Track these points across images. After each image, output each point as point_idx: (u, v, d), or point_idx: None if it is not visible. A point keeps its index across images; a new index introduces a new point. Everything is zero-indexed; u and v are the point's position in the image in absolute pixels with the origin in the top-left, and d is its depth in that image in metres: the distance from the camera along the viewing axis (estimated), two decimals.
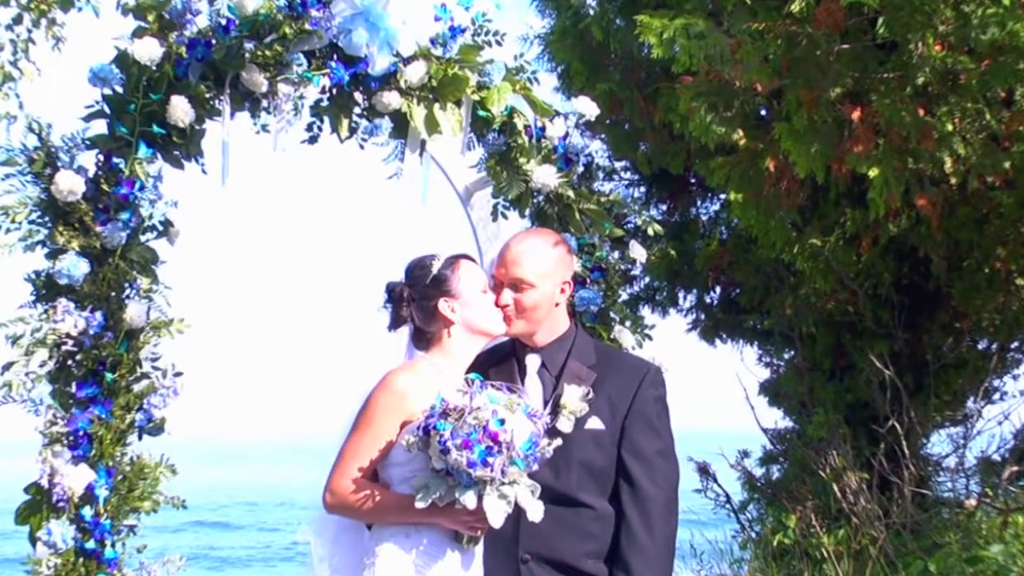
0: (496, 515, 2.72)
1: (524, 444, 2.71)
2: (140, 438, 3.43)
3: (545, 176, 4.10)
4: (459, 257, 3.08)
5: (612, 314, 4.13)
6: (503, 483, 2.70)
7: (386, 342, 3.08)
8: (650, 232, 4.34)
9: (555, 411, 3.01)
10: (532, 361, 3.12)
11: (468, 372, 2.99)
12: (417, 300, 2.99)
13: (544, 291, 3.07)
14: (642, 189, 9.37)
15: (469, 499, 2.71)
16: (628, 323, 4.17)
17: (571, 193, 4.16)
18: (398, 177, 4.07)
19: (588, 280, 4.10)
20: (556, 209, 4.18)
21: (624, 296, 4.47)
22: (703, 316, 9.35)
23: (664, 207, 9.39)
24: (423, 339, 3.02)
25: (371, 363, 3.09)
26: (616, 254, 4.22)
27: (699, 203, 9.33)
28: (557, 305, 3.11)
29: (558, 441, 2.82)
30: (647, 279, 9.38)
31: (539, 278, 3.06)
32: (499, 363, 3.13)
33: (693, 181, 9.07)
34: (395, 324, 3.02)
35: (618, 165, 9.45)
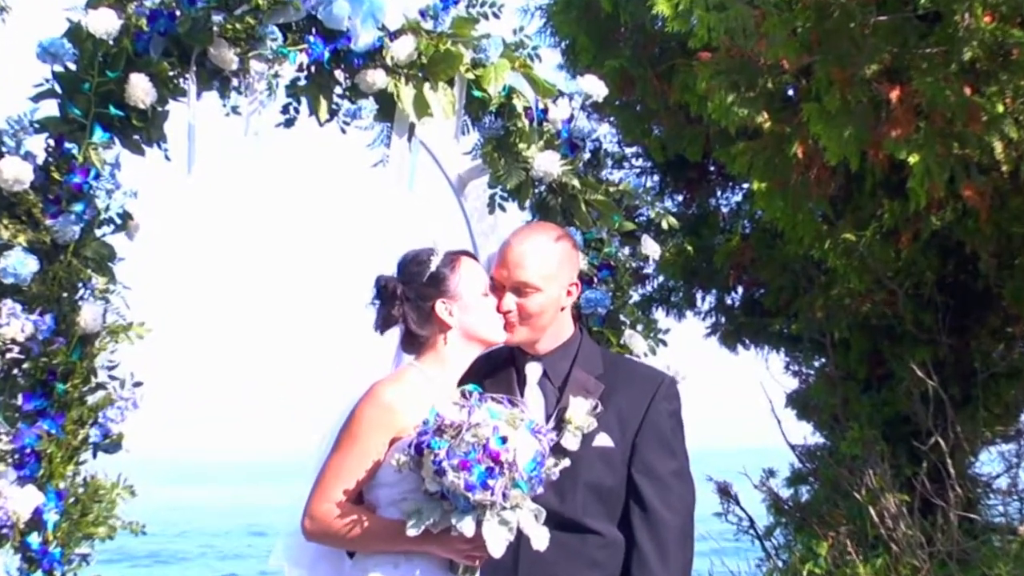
0: (496, 543, 2.74)
1: (528, 464, 2.73)
2: (95, 456, 3.44)
3: (547, 163, 4.14)
4: (460, 254, 3.11)
5: (622, 317, 4.18)
6: (504, 508, 2.72)
7: (371, 347, 3.10)
8: (664, 226, 4.36)
9: (559, 427, 3.04)
10: (533, 370, 3.15)
11: (462, 382, 3.02)
12: (411, 299, 3.01)
13: (550, 295, 3.11)
14: (656, 178, 9.36)
15: (467, 525, 2.72)
16: (640, 327, 4.21)
17: (576, 182, 4.20)
18: (384, 165, 4.11)
19: (595, 279, 4.14)
20: (560, 200, 4.23)
21: (635, 297, 4.60)
22: (723, 319, 9.38)
23: (680, 198, 9.40)
24: (415, 343, 3.05)
25: (355, 372, 3.12)
26: (626, 250, 4.28)
27: (719, 193, 9.29)
28: (563, 309, 3.16)
29: (566, 462, 2.86)
30: (661, 278, 9.37)
31: (544, 281, 3.10)
32: (495, 372, 3.16)
33: (712, 169, 9.05)
34: (384, 325, 3.05)
35: (629, 151, 9.48)
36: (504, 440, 2.72)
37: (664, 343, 4.22)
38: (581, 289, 3.34)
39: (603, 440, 3.07)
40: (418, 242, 3.13)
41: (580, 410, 3.06)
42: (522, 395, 3.10)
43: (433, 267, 3.03)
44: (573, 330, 3.20)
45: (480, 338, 3.05)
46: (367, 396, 2.93)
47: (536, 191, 4.22)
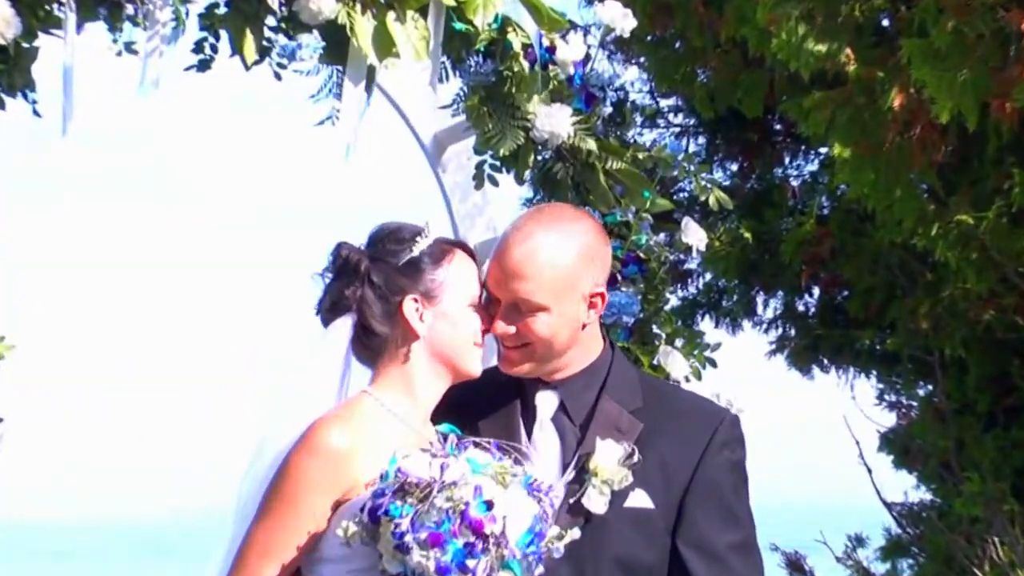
0: None
1: (522, 537, 2.75)
2: None
3: (555, 121, 4.18)
4: (456, 246, 3.16)
5: (655, 328, 4.25)
6: None
7: (306, 366, 3.12)
8: (713, 204, 4.40)
9: (580, 480, 3.06)
10: (545, 401, 3.18)
11: (439, 415, 3.07)
12: (376, 284, 3.06)
13: (563, 315, 3.13)
14: (701, 140, 9.36)
15: None
16: (679, 342, 4.27)
17: (593, 146, 4.24)
18: (333, 123, 4.14)
19: (619, 278, 4.20)
20: (571, 170, 4.29)
21: (673, 301, 4.74)
22: (793, 331, 9.41)
23: (734, 167, 9.40)
24: (369, 347, 3.09)
25: (285, 401, 3.14)
26: (662, 237, 4.33)
27: (787, 161, 9.29)
28: (584, 327, 3.17)
29: (575, 533, 2.89)
30: (708, 276, 9.37)
31: (555, 296, 3.11)
32: (492, 401, 3.20)
33: (778, 128, 9.08)
34: (331, 310, 3.10)
35: (664, 104, 9.54)
36: (489, 506, 2.74)
37: (713, 363, 4.28)
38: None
39: (640, 499, 3.09)
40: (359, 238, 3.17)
41: (610, 458, 3.07)
42: (530, 436, 3.12)
43: (415, 251, 3.07)
44: (602, 347, 3.22)
45: (451, 361, 3.09)
46: (305, 440, 2.95)
47: (539, 158, 4.29)
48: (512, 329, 3.09)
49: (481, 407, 3.17)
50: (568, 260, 3.10)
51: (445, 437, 2.89)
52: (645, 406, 3.15)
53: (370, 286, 3.05)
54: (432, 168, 4.64)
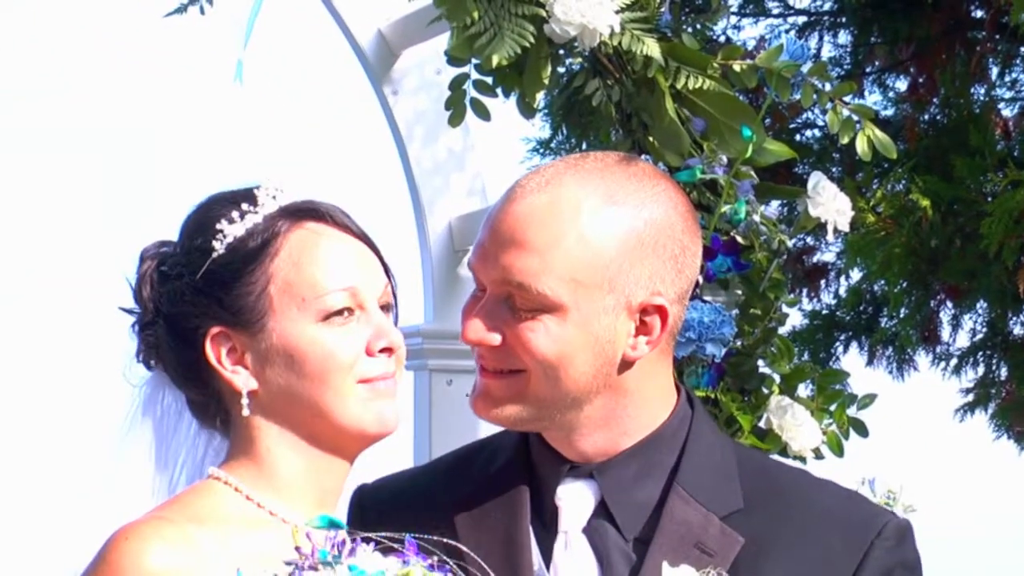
0: None
1: None
2: None
3: (586, 5, 3.64)
4: (304, 212, 2.70)
5: (762, 367, 3.79)
6: None
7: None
8: (862, 151, 3.84)
9: None
10: (574, 498, 2.71)
11: (431, 524, 2.66)
12: (169, 316, 2.72)
13: (586, 324, 2.68)
14: (843, 38, 8.06)
15: None
16: (806, 389, 3.85)
17: (656, 50, 3.66)
18: (202, 12, 3.78)
19: (699, 281, 3.49)
20: (617, 92, 3.77)
21: (795, 319, 4.63)
22: (1004, 371, 7.95)
23: (901, 85, 8.12)
24: (203, 414, 2.77)
25: (80, 494, 2.85)
26: (773, 209, 4.29)
27: (995, 75, 7.85)
28: (628, 361, 2.69)
29: None
30: (855, 275, 7.99)
31: (575, 288, 2.66)
32: (489, 493, 2.80)
33: (979, 16, 7.76)
34: (145, 361, 2.77)
35: None
36: None
37: (862, 430, 3.74)
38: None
39: None
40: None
41: None
42: (548, 558, 2.68)
43: (220, 246, 2.64)
44: (674, 404, 2.78)
45: (309, 421, 2.65)
46: (102, 561, 2.51)
47: (561, 71, 3.80)
48: (495, 337, 2.65)
49: (475, 506, 2.78)
50: (611, 233, 2.68)
51: (334, 535, 2.46)
52: (748, 507, 2.73)
53: (165, 322, 2.73)
54: (375, 90, 4.25)
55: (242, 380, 2.60)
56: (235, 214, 2.60)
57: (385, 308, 2.68)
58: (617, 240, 2.66)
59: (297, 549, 2.43)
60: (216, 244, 2.58)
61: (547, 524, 2.71)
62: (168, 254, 2.69)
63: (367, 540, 2.43)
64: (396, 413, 2.67)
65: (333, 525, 2.45)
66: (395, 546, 2.45)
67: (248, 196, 2.61)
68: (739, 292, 3.80)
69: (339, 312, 2.57)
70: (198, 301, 2.63)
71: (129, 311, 2.74)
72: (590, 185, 2.68)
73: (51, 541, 2.76)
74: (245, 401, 2.62)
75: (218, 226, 2.59)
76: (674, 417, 2.75)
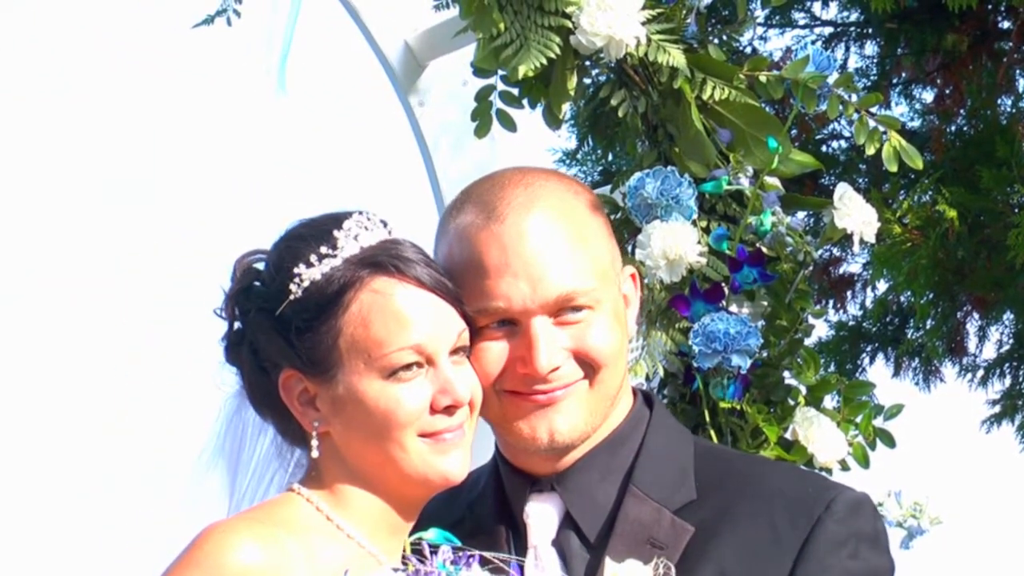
0: None
1: None
2: None
3: (613, 16, 3.67)
4: (377, 264, 2.74)
5: (788, 379, 3.78)
6: None
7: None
8: (888, 161, 3.84)
9: None
10: (540, 516, 2.87)
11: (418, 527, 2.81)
12: (254, 344, 2.78)
13: (617, 314, 2.88)
14: (869, 49, 8.09)
15: None
16: (832, 400, 3.84)
17: (682, 60, 3.71)
18: (228, 23, 3.89)
19: (724, 291, 3.74)
20: (643, 103, 3.79)
21: (821, 331, 4.79)
22: None
23: (927, 96, 8.21)
24: (283, 432, 2.84)
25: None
26: (799, 220, 4.35)
27: (1020, 85, 7.79)
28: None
29: None
30: (881, 287, 8.09)
31: (603, 279, 2.85)
32: (468, 527, 2.90)
33: (1006, 27, 7.77)
34: (234, 364, 2.83)
35: None
36: None
37: (889, 440, 3.71)
38: (685, 307, 3.53)
39: None
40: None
41: None
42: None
43: (302, 283, 2.67)
44: (631, 405, 2.93)
45: (373, 468, 2.74)
46: (191, 555, 2.63)
47: (589, 81, 3.84)
48: (565, 355, 2.78)
49: (461, 530, 2.84)
50: (592, 219, 2.91)
51: (434, 549, 2.63)
52: (701, 497, 2.88)
53: (248, 349, 2.80)
54: (401, 101, 4.32)
55: (313, 421, 2.70)
56: (313, 257, 2.63)
57: (461, 351, 2.72)
58: (596, 222, 2.86)
59: (415, 555, 2.60)
60: (293, 287, 2.63)
61: (524, 540, 2.87)
62: (258, 273, 2.77)
63: (479, 558, 2.58)
64: (462, 462, 2.74)
65: (448, 540, 2.62)
66: (503, 566, 2.60)
67: (328, 238, 2.64)
68: (765, 303, 3.81)
69: (406, 367, 2.64)
70: (275, 340, 2.69)
71: (221, 316, 2.80)
72: (552, 180, 2.87)
73: (51, 541, 2.79)
74: (315, 443, 2.70)
75: (296, 269, 2.63)
76: (629, 420, 2.87)
